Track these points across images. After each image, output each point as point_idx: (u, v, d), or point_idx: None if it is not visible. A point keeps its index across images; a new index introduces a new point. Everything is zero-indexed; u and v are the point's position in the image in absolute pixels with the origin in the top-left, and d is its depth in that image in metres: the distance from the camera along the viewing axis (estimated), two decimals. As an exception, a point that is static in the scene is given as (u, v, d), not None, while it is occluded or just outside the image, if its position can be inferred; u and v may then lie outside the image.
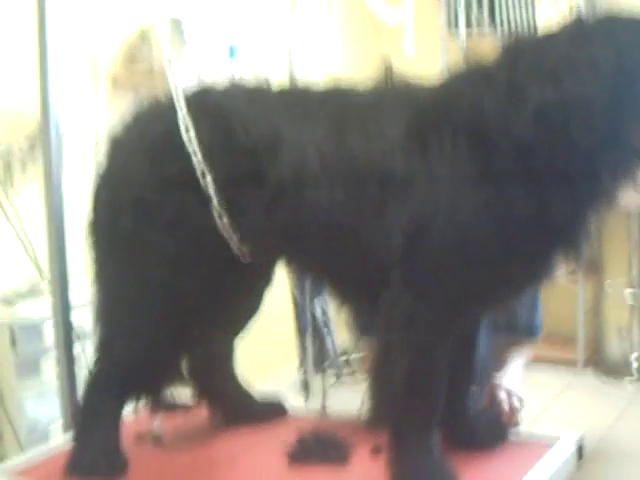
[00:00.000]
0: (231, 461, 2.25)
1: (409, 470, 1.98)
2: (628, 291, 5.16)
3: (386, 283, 1.95)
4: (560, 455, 2.17)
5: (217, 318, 2.25)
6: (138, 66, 3.65)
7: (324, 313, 4.34)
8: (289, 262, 2.19)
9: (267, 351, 4.27)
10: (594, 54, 1.77)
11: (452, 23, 5.22)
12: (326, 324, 4.35)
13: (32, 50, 2.46)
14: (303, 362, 4.33)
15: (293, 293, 4.23)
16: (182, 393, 2.45)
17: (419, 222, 1.88)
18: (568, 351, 5.09)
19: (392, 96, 2.01)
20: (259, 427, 2.42)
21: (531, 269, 1.93)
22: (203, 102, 2.11)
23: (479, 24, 5.24)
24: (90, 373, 2.21)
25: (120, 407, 2.20)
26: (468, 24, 5.23)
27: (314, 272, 2.21)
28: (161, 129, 2.11)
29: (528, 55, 1.84)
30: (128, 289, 2.14)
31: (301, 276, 2.27)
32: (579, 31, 1.82)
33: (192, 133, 2.05)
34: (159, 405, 2.39)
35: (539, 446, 2.20)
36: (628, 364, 5.18)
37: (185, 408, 2.51)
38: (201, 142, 2.05)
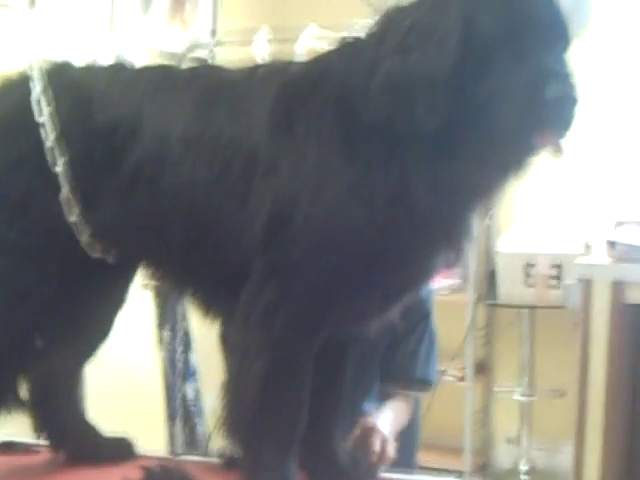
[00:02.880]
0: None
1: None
2: (517, 396, 5.01)
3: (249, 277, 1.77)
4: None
5: (63, 331, 2.01)
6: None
7: (196, 397, 4.07)
8: (147, 263, 1.99)
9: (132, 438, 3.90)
10: (443, 23, 1.62)
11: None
12: (198, 409, 4.08)
13: None
14: (171, 451, 4.01)
15: (163, 373, 3.96)
16: (20, 428, 2.18)
17: (283, 204, 1.72)
18: (454, 460, 4.88)
19: (263, 72, 1.87)
20: (104, 466, 2.14)
21: (405, 261, 1.75)
22: (60, 78, 1.94)
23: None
24: None
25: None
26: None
27: (174, 271, 1.98)
28: (10, 103, 1.94)
29: (395, 23, 1.70)
30: None
31: (160, 280, 2.05)
32: None
33: (47, 111, 1.86)
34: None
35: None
36: (517, 473, 4.99)
37: (24, 448, 2.25)
38: (54, 122, 1.87)
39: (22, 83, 1.92)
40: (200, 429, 4.08)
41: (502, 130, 1.60)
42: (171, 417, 3.97)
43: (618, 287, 2.87)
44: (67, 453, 2.18)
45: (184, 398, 3.95)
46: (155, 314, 3.97)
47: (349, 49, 1.80)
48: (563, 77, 1.60)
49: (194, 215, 1.80)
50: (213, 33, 4.47)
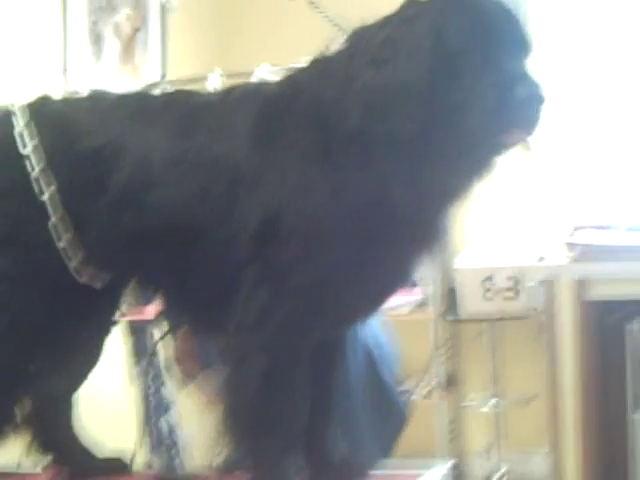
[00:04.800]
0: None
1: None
2: (487, 409, 5.07)
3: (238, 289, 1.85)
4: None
5: (55, 357, 2.10)
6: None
7: (172, 432, 4.10)
8: (138, 282, 2.06)
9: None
10: (414, 36, 1.72)
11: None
12: (175, 444, 4.10)
13: None
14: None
15: (138, 408, 3.99)
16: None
17: (270, 215, 1.81)
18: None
19: (237, 94, 1.97)
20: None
21: (387, 260, 1.85)
22: (41, 110, 2.02)
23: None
24: None
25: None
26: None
27: (164, 288, 2.05)
28: None
29: (364, 40, 1.80)
30: None
31: (148, 297, 2.12)
32: (407, 11, 1.78)
33: (33, 144, 1.95)
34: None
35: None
36: (491, 486, 5.05)
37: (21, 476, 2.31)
38: (39, 153, 1.95)
39: (3, 118, 2.00)
40: (178, 464, 4.11)
41: (474, 131, 1.71)
42: (149, 450, 4.00)
43: (580, 285, 2.98)
44: (67, 474, 2.22)
45: (160, 433, 3.98)
46: (127, 350, 4.01)
47: (320, 66, 1.89)
48: (528, 79, 1.72)
49: (181, 231, 1.88)
50: (163, 79, 4.54)
